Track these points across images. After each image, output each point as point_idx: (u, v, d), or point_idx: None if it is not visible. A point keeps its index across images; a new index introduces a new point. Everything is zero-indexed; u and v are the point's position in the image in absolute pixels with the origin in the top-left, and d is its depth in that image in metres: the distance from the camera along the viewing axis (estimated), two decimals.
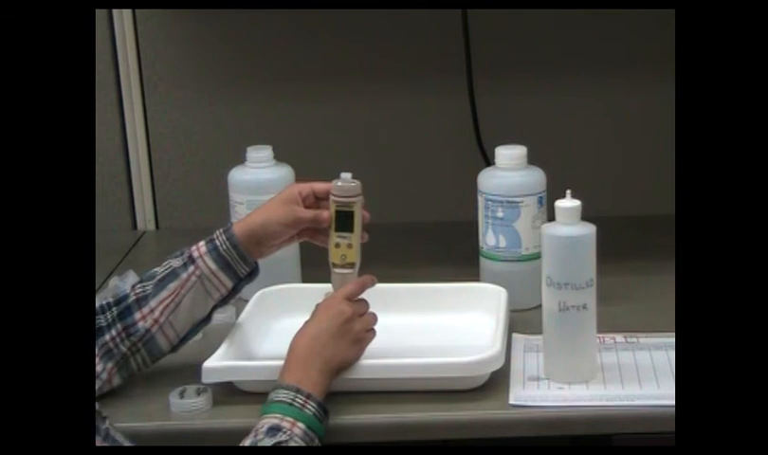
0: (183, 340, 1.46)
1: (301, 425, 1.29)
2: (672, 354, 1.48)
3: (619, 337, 1.54)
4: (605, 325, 1.50)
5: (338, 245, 1.48)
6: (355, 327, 1.42)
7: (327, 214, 1.48)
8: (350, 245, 1.47)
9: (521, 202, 1.63)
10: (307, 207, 1.49)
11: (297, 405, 1.30)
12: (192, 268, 1.44)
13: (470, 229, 1.70)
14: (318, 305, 1.44)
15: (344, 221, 1.47)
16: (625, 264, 1.77)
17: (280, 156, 1.75)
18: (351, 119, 2.07)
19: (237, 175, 1.74)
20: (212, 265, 1.44)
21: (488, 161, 1.81)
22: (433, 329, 1.59)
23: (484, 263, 1.68)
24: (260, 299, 1.62)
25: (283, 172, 1.73)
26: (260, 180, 1.71)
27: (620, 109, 2.05)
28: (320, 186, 1.49)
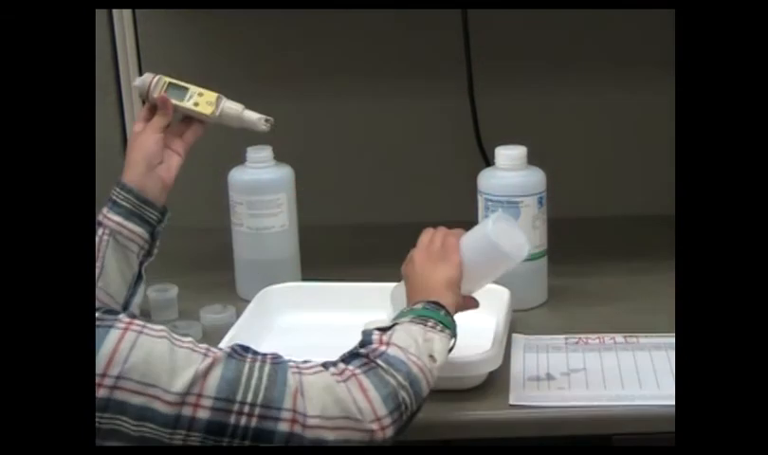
0: (125, 307, 1.46)
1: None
2: (672, 354, 1.48)
3: (619, 337, 1.54)
4: (605, 325, 1.50)
5: (197, 104, 1.53)
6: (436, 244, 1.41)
7: (165, 97, 1.52)
8: (200, 94, 1.54)
9: (521, 202, 1.63)
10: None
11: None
12: (100, 231, 1.45)
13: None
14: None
15: (177, 87, 1.54)
16: (625, 264, 1.78)
17: (280, 156, 1.75)
18: (351, 119, 2.07)
19: (237, 175, 1.74)
20: (116, 218, 1.45)
21: (488, 161, 1.81)
22: None
23: None
24: (261, 298, 1.62)
25: (283, 172, 1.73)
26: (260, 180, 1.72)
27: (620, 109, 2.05)
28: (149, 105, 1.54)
